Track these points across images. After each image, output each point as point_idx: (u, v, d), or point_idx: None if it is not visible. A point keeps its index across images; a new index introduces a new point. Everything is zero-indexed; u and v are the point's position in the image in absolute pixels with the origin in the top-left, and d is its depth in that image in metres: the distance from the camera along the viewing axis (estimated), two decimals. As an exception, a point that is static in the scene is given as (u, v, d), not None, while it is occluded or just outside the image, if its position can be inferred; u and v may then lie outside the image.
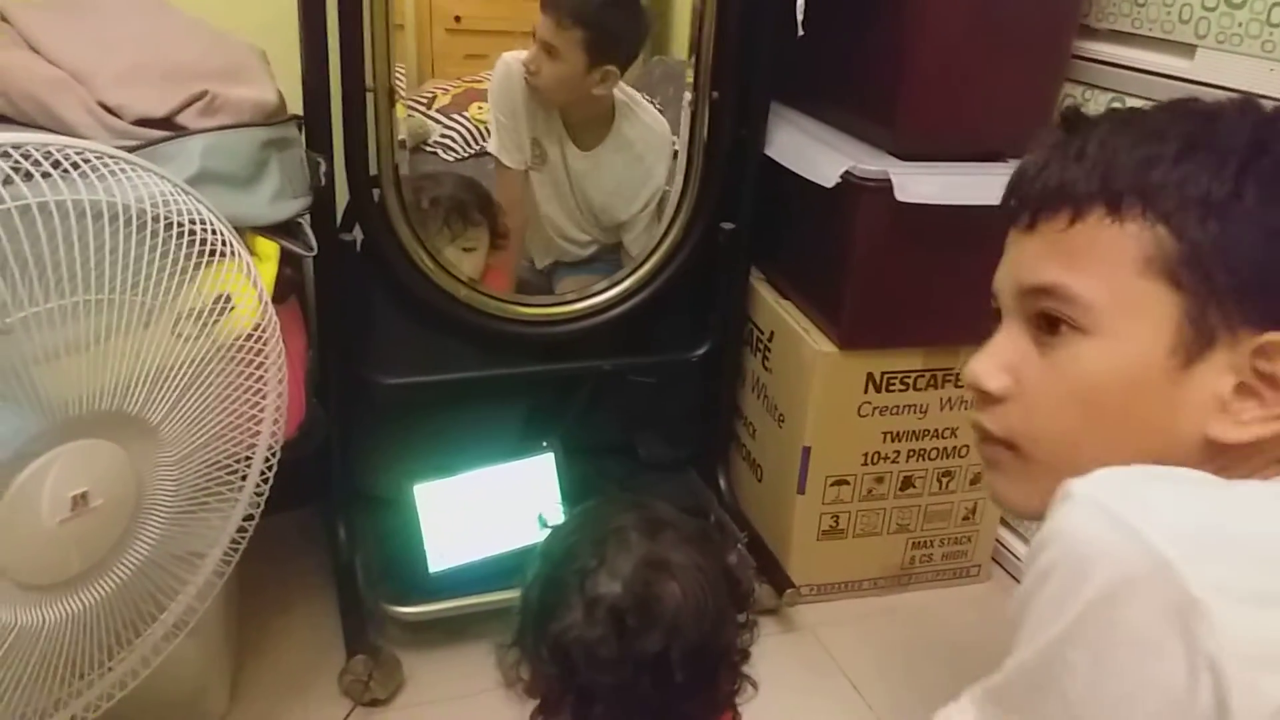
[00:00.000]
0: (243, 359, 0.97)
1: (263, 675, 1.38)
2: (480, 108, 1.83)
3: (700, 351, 1.64)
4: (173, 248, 0.87)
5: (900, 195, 1.34)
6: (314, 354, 1.34)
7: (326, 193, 1.27)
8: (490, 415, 1.56)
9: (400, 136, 1.36)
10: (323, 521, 1.57)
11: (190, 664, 1.17)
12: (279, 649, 1.43)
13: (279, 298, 1.09)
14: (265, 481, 1.06)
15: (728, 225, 1.57)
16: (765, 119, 1.53)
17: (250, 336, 0.97)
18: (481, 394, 1.54)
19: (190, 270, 0.90)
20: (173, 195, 0.88)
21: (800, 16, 1.36)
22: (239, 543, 1.06)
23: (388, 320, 1.47)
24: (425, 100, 1.82)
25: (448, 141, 1.79)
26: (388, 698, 1.35)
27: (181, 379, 0.90)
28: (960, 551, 1.68)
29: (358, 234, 1.39)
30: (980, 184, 1.38)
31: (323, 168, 1.24)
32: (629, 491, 1.58)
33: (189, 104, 1.06)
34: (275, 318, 1.00)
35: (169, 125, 1.06)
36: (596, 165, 1.69)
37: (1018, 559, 1.71)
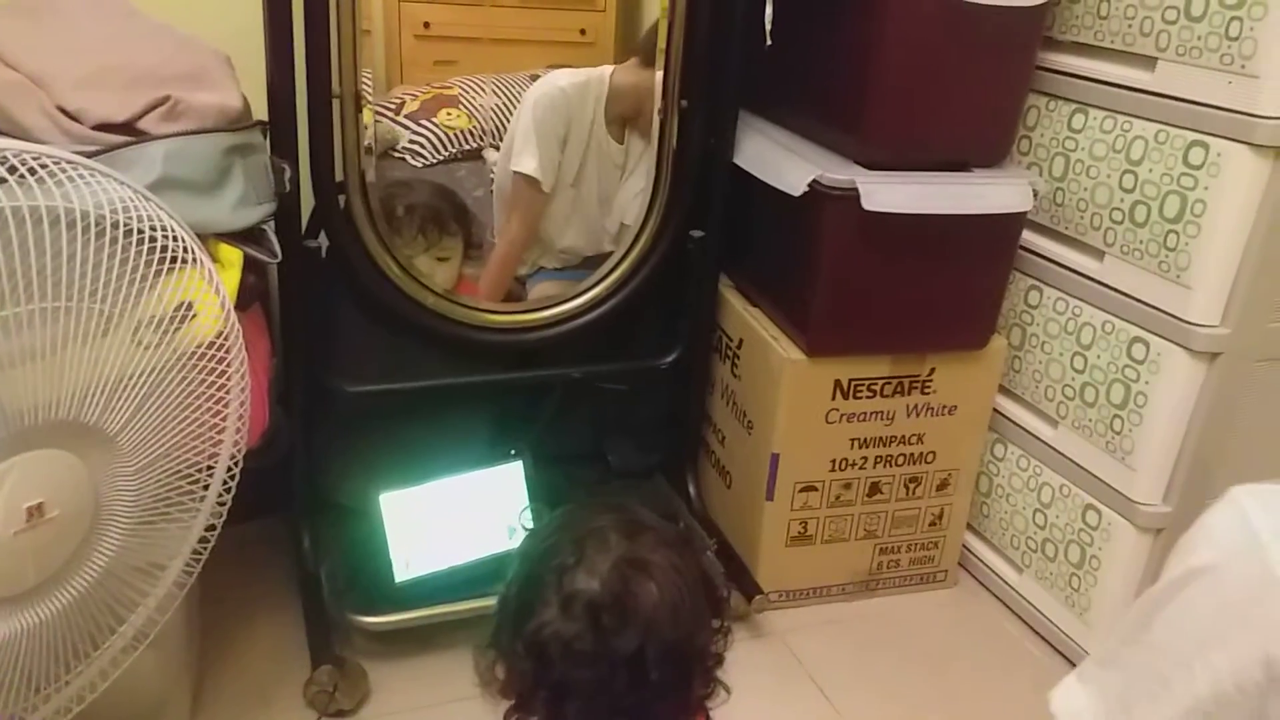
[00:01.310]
0: (205, 367, 0.96)
1: (226, 687, 1.37)
2: (449, 114, 1.82)
3: (669, 359, 1.64)
4: (133, 255, 0.86)
5: (867, 204, 1.35)
6: (278, 361, 1.33)
7: (291, 199, 1.26)
8: (458, 423, 1.55)
9: (367, 142, 1.35)
10: (287, 531, 1.55)
11: (150, 676, 1.15)
12: (242, 660, 1.41)
13: (242, 305, 1.08)
14: (228, 491, 1.04)
15: (697, 233, 1.57)
16: (734, 128, 1.54)
17: (212, 344, 0.96)
18: (449, 402, 1.54)
19: (151, 277, 0.89)
20: (133, 201, 0.87)
21: (768, 26, 1.37)
22: (201, 553, 1.05)
23: (353, 327, 1.46)
24: (394, 106, 1.81)
25: (416, 147, 1.78)
26: (353, 708, 1.33)
27: (141, 388, 0.89)
28: (927, 557, 1.69)
29: (323, 240, 1.38)
30: (946, 193, 1.40)
31: (288, 174, 1.23)
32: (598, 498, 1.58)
33: (151, 109, 1.05)
34: (238, 325, 0.99)
35: (130, 130, 1.04)
36: (629, 149, 1.69)
37: (984, 564, 1.72)
